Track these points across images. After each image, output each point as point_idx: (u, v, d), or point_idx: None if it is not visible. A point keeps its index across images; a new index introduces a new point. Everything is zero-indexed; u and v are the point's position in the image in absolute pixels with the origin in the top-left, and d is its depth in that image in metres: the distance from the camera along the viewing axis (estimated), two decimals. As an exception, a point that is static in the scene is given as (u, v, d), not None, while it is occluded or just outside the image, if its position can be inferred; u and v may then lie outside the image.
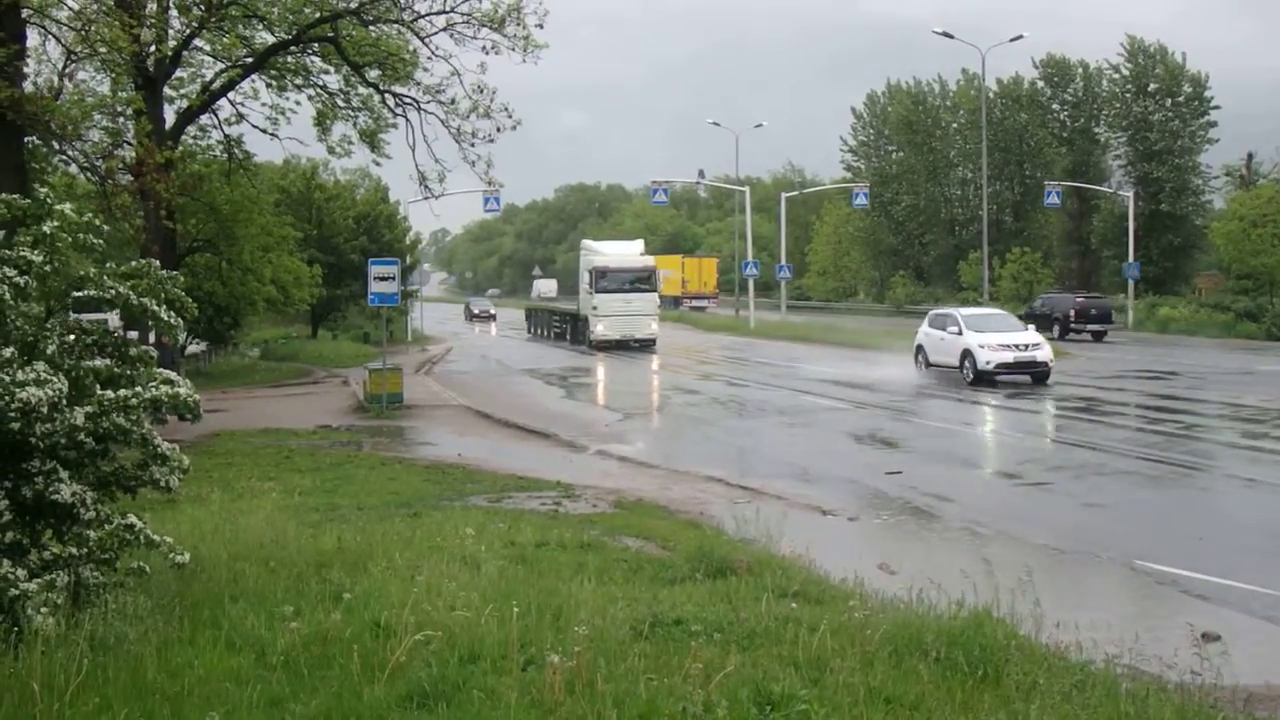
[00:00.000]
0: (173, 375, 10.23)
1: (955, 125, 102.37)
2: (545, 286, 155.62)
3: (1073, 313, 60.95)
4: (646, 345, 59.34)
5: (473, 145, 33.48)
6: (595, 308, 59.82)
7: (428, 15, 32.44)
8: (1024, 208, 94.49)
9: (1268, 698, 8.80)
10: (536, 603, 9.72)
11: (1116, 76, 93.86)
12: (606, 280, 60.11)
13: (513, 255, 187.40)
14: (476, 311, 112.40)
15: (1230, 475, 21.47)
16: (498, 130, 33.24)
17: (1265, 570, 14.11)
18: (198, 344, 48.35)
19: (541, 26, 31.88)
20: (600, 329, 59.29)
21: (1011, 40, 71.66)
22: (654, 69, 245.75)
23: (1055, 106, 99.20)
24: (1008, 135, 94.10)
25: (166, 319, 10.45)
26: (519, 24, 31.77)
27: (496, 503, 18.20)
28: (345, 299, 60.23)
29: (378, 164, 40.56)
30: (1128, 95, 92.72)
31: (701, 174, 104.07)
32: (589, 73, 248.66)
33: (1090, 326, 60.61)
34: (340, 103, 35.93)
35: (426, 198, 36.08)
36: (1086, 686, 7.95)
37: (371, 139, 36.30)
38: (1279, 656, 10.80)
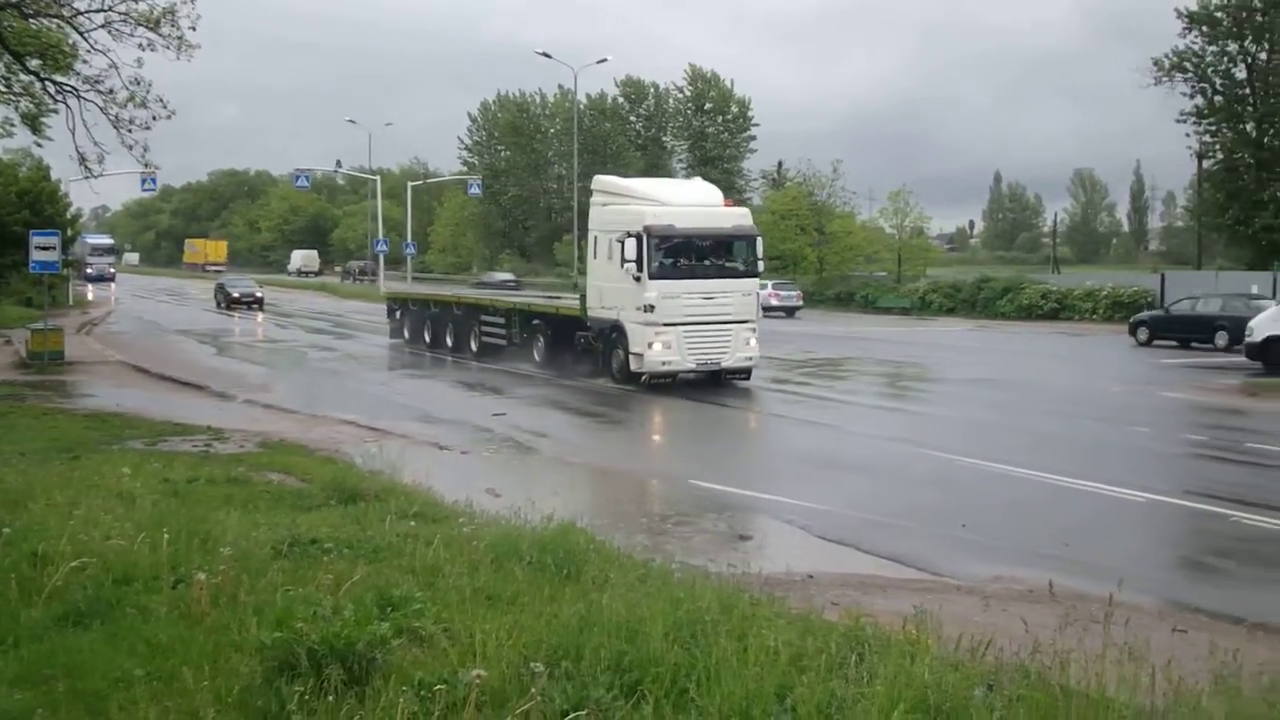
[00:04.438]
0: None
1: (553, 131, 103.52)
2: (304, 259, 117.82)
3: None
4: (739, 376, 26.59)
5: (130, 131, 31.40)
6: (649, 306, 25.12)
7: (86, 12, 30.09)
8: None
9: (785, 581, 9.37)
10: (186, 530, 9.22)
11: (681, 96, 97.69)
12: (670, 252, 25.76)
13: (169, 230, 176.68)
14: (237, 295, 64.70)
15: (767, 413, 22.68)
16: (154, 118, 31.29)
17: (787, 485, 15.02)
18: None
19: (194, 29, 30.22)
20: (657, 348, 25.16)
21: (598, 62, 73.53)
22: (304, 71, 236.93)
23: (633, 119, 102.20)
24: (595, 140, 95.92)
25: None
26: (173, 25, 29.99)
27: (152, 446, 17.17)
28: (9, 267, 54.77)
29: (39, 145, 37.33)
30: (689, 112, 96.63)
31: (339, 164, 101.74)
32: (250, 72, 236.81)
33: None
34: (2, 88, 32.99)
35: (86, 177, 33.52)
36: (648, 578, 8.24)
37: (33, 122, 33.40)
38: (795, 550, 11.47)
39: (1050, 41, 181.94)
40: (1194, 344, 37.29)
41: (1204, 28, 53.51)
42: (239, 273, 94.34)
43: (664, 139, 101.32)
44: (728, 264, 26.32)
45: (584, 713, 5.60)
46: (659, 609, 7.04)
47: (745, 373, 26.33)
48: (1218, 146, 55.46)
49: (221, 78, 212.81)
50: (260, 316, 57.28)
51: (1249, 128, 53.78)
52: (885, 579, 10.70)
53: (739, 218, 26.99)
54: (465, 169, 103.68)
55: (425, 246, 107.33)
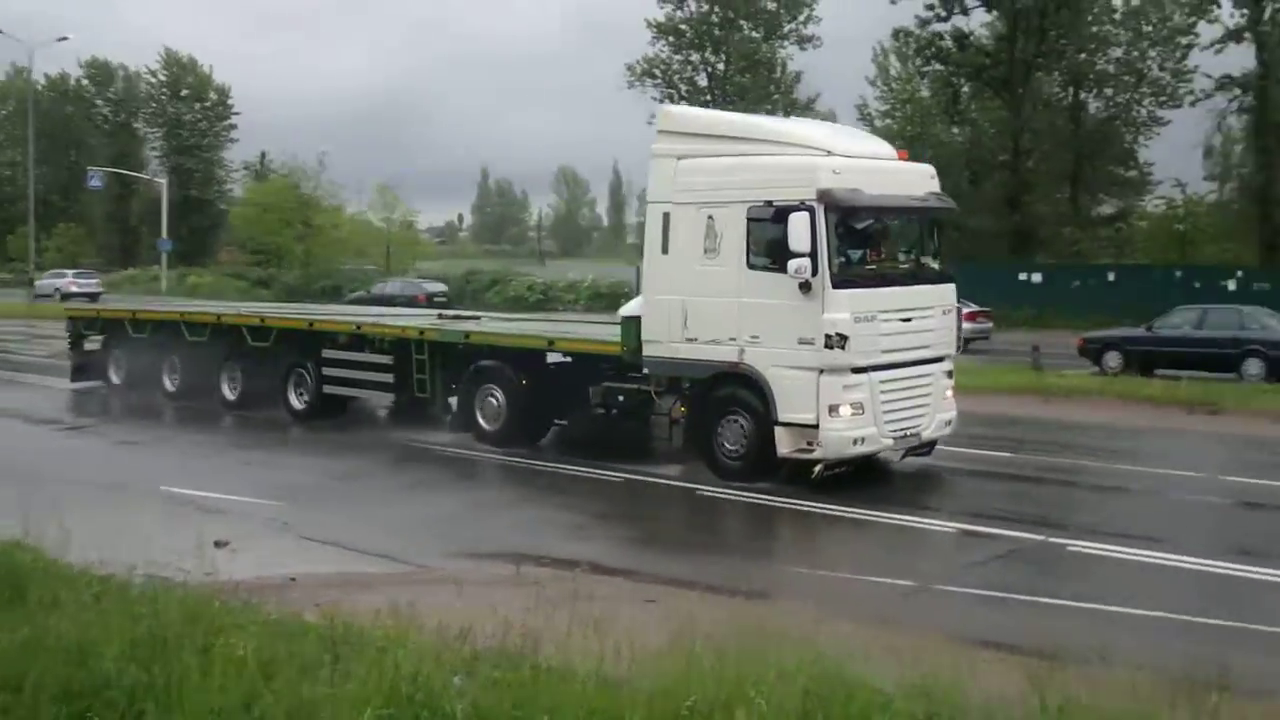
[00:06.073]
0: None
1: (5, 113, 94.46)
2: None
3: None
4: (921, 451, 15.57)
5: None
6: (838, 338, 13.46)
7: None
8: (71, 189, 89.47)
9: (258, 586, 9.05)
10: None
11: (155, 81, 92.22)
12: (853, 240, 14.51)
13: None
14: None
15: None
16: None
17: (259, 487, 14.60)
18: None
19: None
20: (845, 413, 13.68)
21: (59, 40, 67.98)
22: None
23: (99, 102, 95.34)
24: (54, 124, 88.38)
25: None
26: None
27: None
28: None
29: None
30: (164, 98, 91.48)
31: None
32: None
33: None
34: None
35: None
36: (105, 595, 7.66)
37: None
38: (270, 554, 11.17)
39: (536, 45, 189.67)
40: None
41: (670, 38, 57.78)
42: None
43: (135, 125, 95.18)
44: (921, 259, 15.76)
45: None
46: (115, 627, 6.59)
47: (932, 445, 15.71)
48: (683, 148, 59.94)
49: None
50: None
51: (708, 131, 58.54)
52: (369, 575, 10.61)
53: (929, 179, 15.72)
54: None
55: None
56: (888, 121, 55.17)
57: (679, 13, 57.78)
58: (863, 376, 13.83)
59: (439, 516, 13.38)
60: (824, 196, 13.57)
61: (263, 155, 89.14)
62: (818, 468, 13.97)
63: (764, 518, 13.49)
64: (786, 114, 58.78)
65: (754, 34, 57.99)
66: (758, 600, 9.17)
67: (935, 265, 15.65)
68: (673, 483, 15.08)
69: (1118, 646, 8.61)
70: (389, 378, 18.61)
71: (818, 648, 6.53)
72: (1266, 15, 44.69)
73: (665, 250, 15.26)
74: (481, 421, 17.38)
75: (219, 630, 6.67)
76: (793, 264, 13.46)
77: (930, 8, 49.01)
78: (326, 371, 19.39)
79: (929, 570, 11.24)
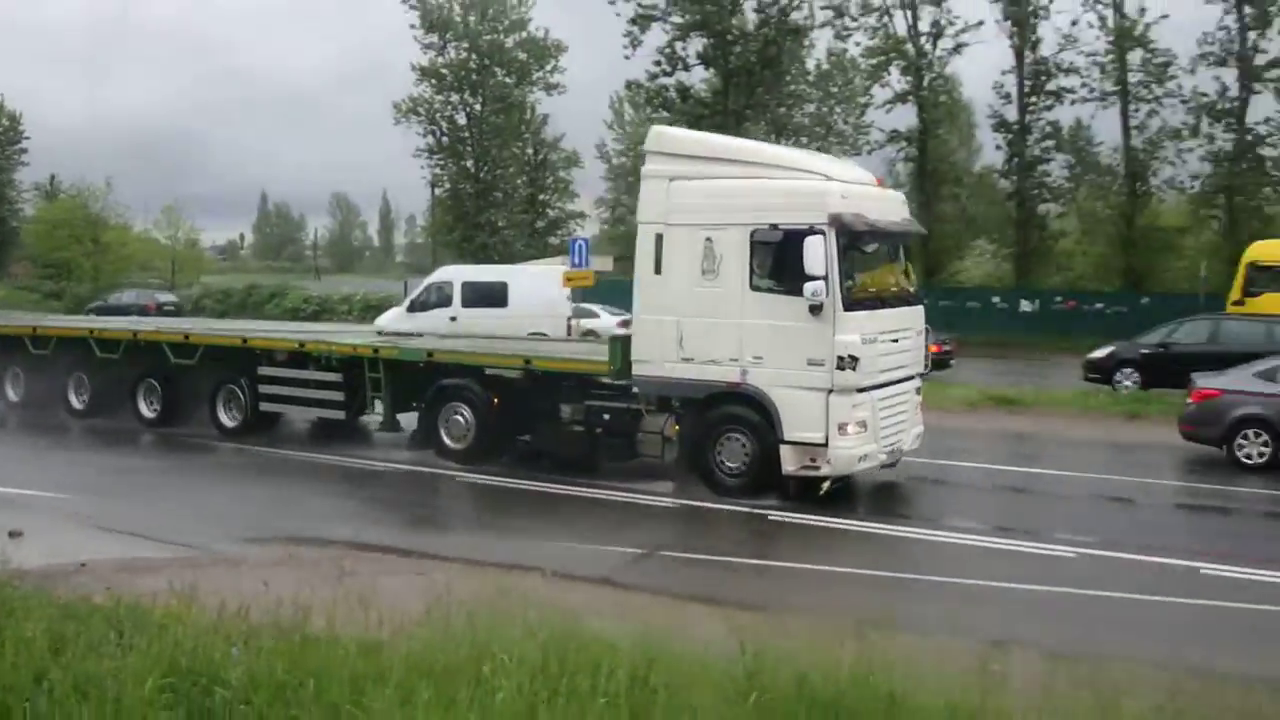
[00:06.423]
0: None
1: None
2: None
3: None
4: (890, 464, 14.01)
5: None
6: (849, 360, 12.39)
7: None
8: None
9: (49, 573, 8.53)
10: None
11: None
12: (854, 263, 13.33)
13: None
14: None
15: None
16: None
17: (58, 482, 13.67)
18: None
19: None
20: (852, 431, 12.64)
21: None
22: None
23: None
24: None
25: None
26: None
27: None
28: None
29: None
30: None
31: None
32: None
33: None
34: None
35: None
36: None
37: None
38: (62, 543, 10.43)
39: (313, 80, 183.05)
40: None
41: (432, 80, 57.15)
42: None
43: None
44: (905, 282, 14.47)
45: None
46: (-98, 616, 6.08)
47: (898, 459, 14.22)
48: (446, 178, 59.54)
49: None
50: None
51: (469, 164, 58.33)
52: (155, 559, 10.10)
53: (902, 205, 14.99)
54: None
55: None
56: (623, 159, 56.15)
57: (440, 58, 57.24)
58: (865, 395, 12.77)
59: (227, 507, 12.85)
60: (835, 220, 12.45)
61: (52, 177, 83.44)
62: (826, 484, 12.87)
63: (530, 501, 13.48)
64: (535, 151, 59.35)
65: (507, 80, 57.94)
66: (508, 570, 9.23)
67: (911, 288, 14.53)
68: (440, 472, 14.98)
69: (805, 596, 9.16)
70: (338, 395, 16.36)
71: (556, 608, 6.65)
72: (925, 83, 47.70)
73: (658, 271, 13.53)
74: (446, 440, 15.32)
75: (9, 613, 6.31)
76: (809, 287, 12.26)
77: (657, 64, 49.94)
78: (264, 389, 16.93)
79: (654, 539, 11.58)
